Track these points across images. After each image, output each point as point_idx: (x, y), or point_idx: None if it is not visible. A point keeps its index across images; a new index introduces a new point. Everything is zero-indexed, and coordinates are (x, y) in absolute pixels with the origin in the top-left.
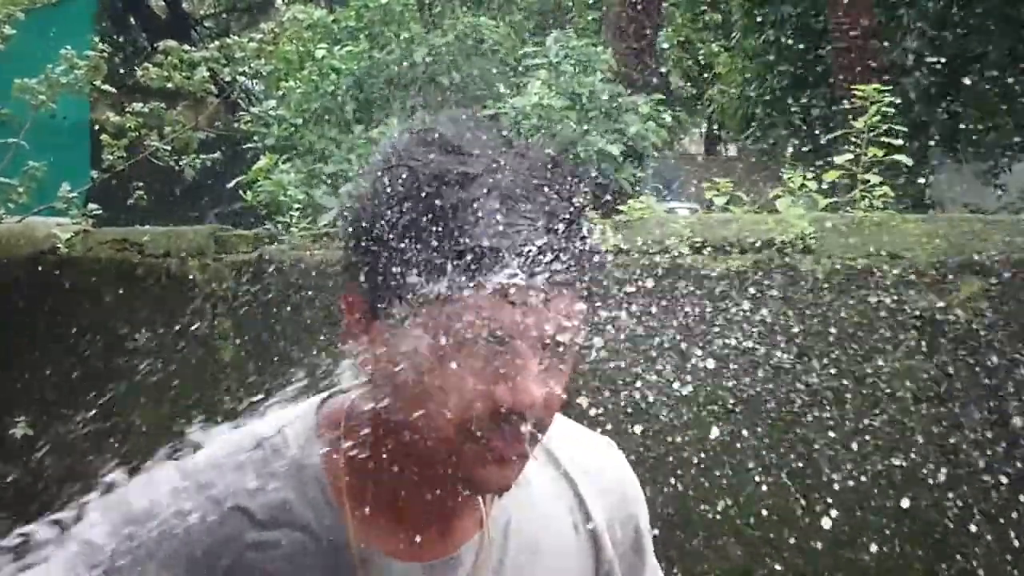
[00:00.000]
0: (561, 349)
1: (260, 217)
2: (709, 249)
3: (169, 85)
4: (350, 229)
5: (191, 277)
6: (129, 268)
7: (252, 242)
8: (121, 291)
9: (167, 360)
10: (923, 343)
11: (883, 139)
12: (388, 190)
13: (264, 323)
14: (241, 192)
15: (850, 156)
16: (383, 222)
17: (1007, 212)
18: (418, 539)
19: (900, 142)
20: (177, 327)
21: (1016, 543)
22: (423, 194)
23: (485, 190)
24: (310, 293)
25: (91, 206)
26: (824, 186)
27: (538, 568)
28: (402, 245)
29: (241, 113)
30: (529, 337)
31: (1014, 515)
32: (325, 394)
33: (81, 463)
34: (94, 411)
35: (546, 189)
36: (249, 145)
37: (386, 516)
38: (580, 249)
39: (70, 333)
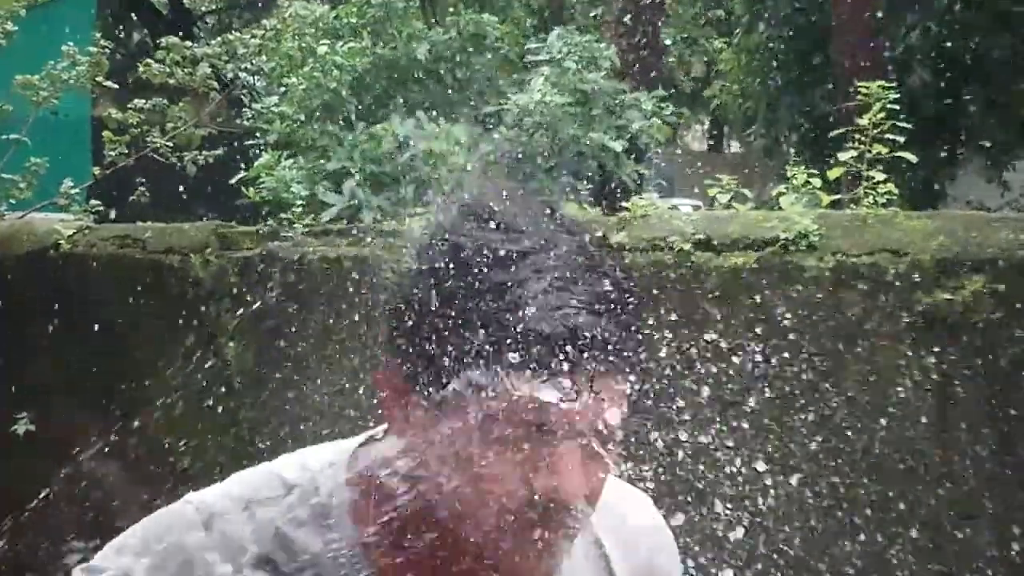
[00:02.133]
0: (606, 435)
1: (263, 214)
2: (712, 246)
3: (171, 81)
4: (392, 304)
5: (194, 274)
6: (131, 264)
7: (255, 238)
8: (123, 288)
9: (170, 357)
10: (927, 340)
11: (888, 136)
12: (432, 265)
13: (267, 319)
14: (243, 189)
15: (854, 152)
16: (425, 299)
17: (1011, 209)
18: None
19: (904, 139)
20: (180, 323)
21: (1018, 540)
22: (467, 271)
23: (533, 270)
24: (313, 289)
25: (93, 202)
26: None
27: None
28: (444, 322)
29: (243, 110)
30: (574, 427)
31: (1018, 513)
32: (360, 439)
33: (83, 460)
34: (97, 408)
35: (596, 271)
36: (251, 142)
37: None
38: (627, 330)
39: (72, 330)
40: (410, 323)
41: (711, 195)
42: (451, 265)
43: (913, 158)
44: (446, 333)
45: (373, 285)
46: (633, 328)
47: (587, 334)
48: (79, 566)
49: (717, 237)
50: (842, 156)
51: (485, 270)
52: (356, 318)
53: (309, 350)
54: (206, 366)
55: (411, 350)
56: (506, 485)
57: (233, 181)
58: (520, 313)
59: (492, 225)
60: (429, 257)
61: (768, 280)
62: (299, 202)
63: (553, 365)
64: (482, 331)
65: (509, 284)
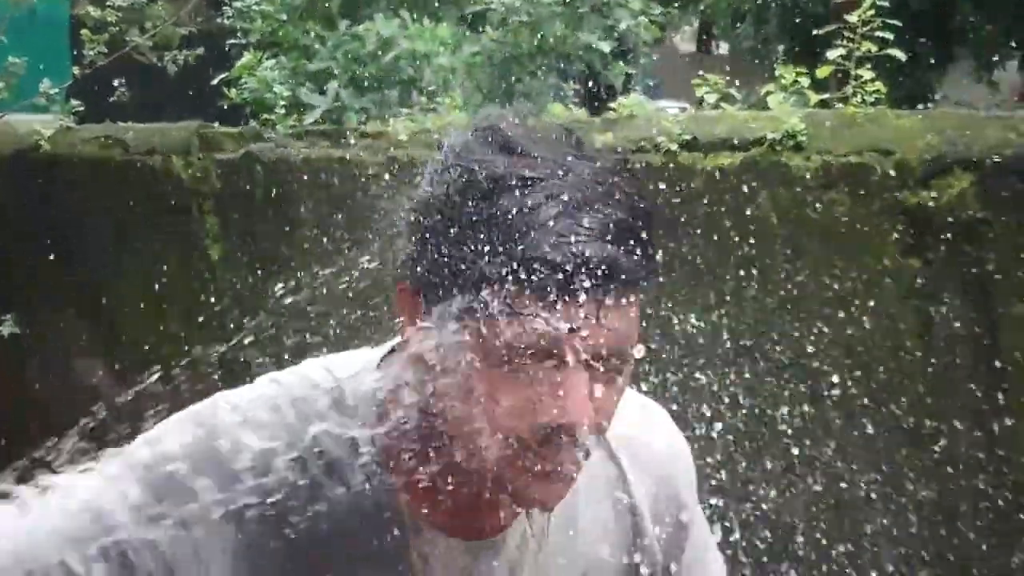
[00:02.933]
0: (616, 363)
1: (245, 115)
2: (699, 146)
3: None
4: (408, 222)
5: (176, 175)
6: (113, 165)
7: (237, 139)
8: (105, 189)
9: (153, 258)
10: (913, 239)
11: (877, 34)
12: (444, 189)
13: (251, 221)
14: (224, 89)
15: (843, 51)
16: (436, 221)
17: (1000, 111)
18: (461, 518)
19: (893, 36)
20: (162, 224)
21: (998, 439)
22: (478, 196)
23: (545, 196)
24: (296, 190)
25: (73, 103)
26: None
27: (577, 546)
28: (454, 247)
29: (224, 8)
30: (582, 352)
31: (998, 415)
32: (387, 348)
33: (69, 363)
34: (81, 310)
35: (611, 197)
36: (232, 41)
37: (432, 490)
38: (640, 260)
39: (53, 231)
40: (422, 246)
41: (699, 95)
42: (461, 189)
43: (902, 56)
44: (455, 257)
45: (357, 188)
46: (648, 256)
47: (595, 262)
48: (107, 450)
49: (704, 137)
50: (830, 54)
51: (495, 195)
52: (339, 221)
53: (292, 252)
54: (189, 267)
55: (423, 272)
56: (511, 408)
57: (214, 82)
58: (527, 239)
59: (505, 150)
60: (441, 181)
61: (755, 180)
62: (281, 103)
63: (559, 292)
64: (489, 256)
65: (517, 210)
